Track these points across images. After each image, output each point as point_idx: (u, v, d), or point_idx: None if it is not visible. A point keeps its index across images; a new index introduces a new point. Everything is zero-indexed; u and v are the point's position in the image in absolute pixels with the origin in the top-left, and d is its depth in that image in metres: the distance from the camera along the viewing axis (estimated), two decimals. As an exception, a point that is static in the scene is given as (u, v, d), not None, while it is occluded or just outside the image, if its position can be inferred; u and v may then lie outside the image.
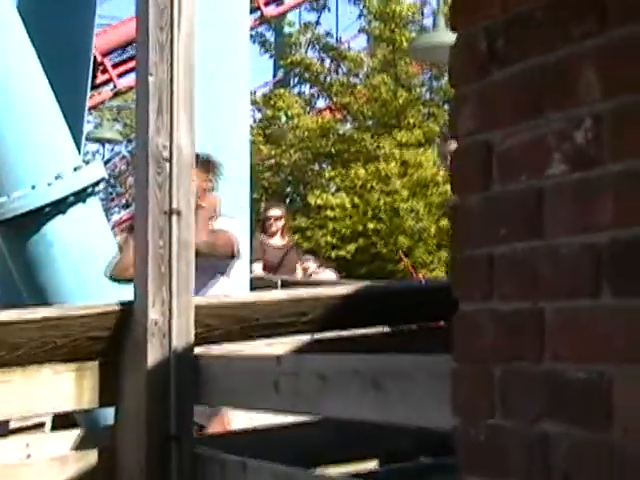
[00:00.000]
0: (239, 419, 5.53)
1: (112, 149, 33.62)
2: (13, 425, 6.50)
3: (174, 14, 4.33)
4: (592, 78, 2.08)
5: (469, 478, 2.38)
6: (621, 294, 2.01)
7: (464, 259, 2.46)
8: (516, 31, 2.30)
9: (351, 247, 19.59)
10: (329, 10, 29.33)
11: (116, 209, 32.96)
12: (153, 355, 4.13)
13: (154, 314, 4.15)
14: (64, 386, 4.19)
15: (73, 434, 5.15)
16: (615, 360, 2.01)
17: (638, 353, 1.96)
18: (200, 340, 4.29)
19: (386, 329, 5.02)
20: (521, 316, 2.25)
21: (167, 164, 4.25)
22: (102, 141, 30.72)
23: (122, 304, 4.27)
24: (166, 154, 4.25)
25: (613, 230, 2.03)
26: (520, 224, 2.27)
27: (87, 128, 27.62)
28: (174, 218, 4.23)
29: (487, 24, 2.38)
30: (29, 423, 6.75)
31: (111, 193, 32.97)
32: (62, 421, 6.37)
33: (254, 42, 26.90)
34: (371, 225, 19.38)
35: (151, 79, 4.28)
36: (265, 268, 11.43)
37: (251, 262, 9.48)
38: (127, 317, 4.22)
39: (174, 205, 4.23)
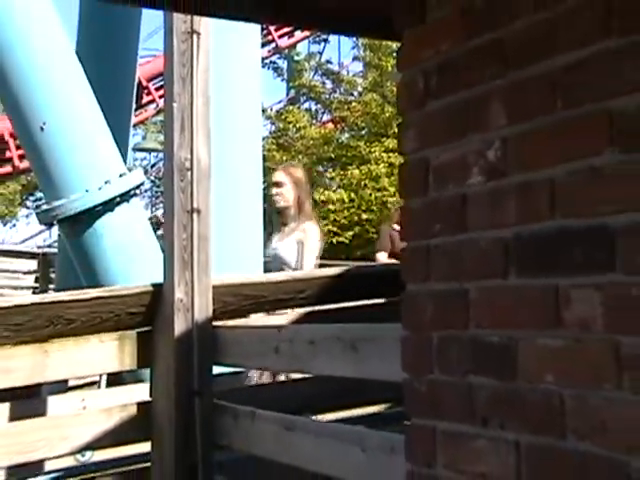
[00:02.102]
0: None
1: (157, 156, 33.41)
2: (72, 383, 6.58)
3: (193, 54, 4.37)
4: (499, 109, 2.15)
5: (414, 421, 2.44)
6: (523, 276, 2.08)
7: (409, 249, 2.50)
8: (445, 73, 2.36)
9: (349, 234, 19.48)
10: (328, 42, 29.45)
11: (161, 205, 32.77)
12: (179, 327, 4.16)
13: (179, 293, 4.18)
14: (109, 352, 4.21)
15: (119, 390, 5.23)
16: (519, 327, 2.08)
17: (536, 321, 2.03)
18: (218, 314, 4.30)
19: (368, 302, 5.00)
20: (451, 294, 2.31)
21: (188, 172, 4.28)
22: (147, 150, 30.51)
23: (154, 286, 4.29)
24: (188, 164, 4.28)
25: (516, 227, 2.10)
26: (450, 222, 2.32)
27: (135, 140, 27.64)
28: (195, 216, 4.26)
29: (423, 67, 2.43)
30: (85, 381, 6.82)
31: (156, 192, 32.84)
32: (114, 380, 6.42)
33: (269, 68, 27.09)
34: (365, 216, 19.27)
35: (175, 105, 4.31)
36: (391, 256, 10.56)
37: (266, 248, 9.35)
38: (158, 296, 4.24)
39: (195, 205, 4.26)
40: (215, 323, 4.28)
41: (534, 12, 2.07)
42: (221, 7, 2.74)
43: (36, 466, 4.25)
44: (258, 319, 4.66)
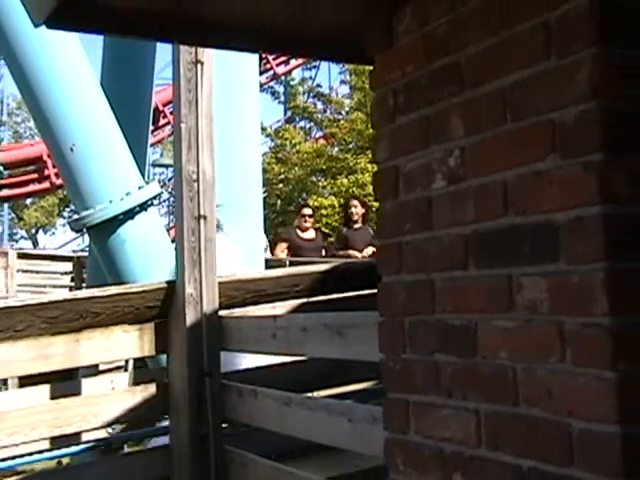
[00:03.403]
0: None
1: (173, 170, 33.32)
2: (102, 368, 6.57)
3: (198, 81, 4.38)
4: (457, 123, 2.15)
5: (390, 395, 2.43)
6: (480, 267, 2.08)
7: (383, 246, 2.49)
8: (411, 92, 2.35)
9: (339, 235, 19.48)
10: (319, 68, 29.64)
11: (177, 213, 32.64)
12: (190, 317, 4.17)
13: (190, 289, 4.19)
14: (131, 340, 4.23)
15: (142, 372, 5.22)
16: (478, 311, 2.07)
17: (492, 306, 2.03)
18: (223, 306, 4.31)
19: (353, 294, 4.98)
20: (420, 284, 2.30)
21: (195, 184, 4.28)
22: (165, 166, 30.48)
23: (168, 282, 4.30)
24: (195, 177, 4.29)
25: (474, 224, 2.09)
26: (418, 221, 2.31)
27: (154, 157, 27.60)
28: (201, 221, 4.26)
29: (393, 87, 2.42)
30: (113, 366, 6.82)
31: (174, 201, 32.77)
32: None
33: (267, 93, 27.20)
34: (352, 219, 19.25)
35: (183, 126, 4.32)
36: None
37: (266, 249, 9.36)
38: (172, 291, 4.24)
39: (201, 212, 4.27)
40: (221, 314, 4.28)
41: (485, 39, 2.07)
42: (222, 39, 2.73)
43: (73, 438, 4.27)
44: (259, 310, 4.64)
